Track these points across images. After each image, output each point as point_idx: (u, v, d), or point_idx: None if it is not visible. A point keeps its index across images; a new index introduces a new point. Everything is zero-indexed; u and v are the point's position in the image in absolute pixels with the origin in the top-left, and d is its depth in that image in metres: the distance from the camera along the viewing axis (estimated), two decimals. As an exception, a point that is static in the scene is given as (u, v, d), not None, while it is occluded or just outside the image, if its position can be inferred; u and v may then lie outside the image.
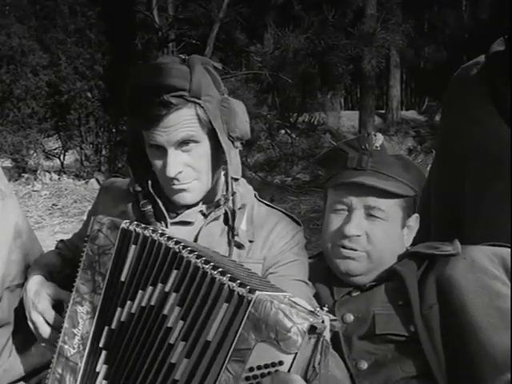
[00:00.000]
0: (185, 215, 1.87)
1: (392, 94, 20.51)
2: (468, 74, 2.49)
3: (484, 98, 2.37)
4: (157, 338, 1.51)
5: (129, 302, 1.58)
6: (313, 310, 1.40)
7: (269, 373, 1.38)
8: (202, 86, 1.73)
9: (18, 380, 2.03)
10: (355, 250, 1.92)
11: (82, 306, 1.66)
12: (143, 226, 1.64)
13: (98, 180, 9.67)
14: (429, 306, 1.80)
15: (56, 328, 1.76)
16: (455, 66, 2.61)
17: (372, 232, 1.91)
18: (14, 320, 2.02)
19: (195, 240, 1.84)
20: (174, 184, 1.79)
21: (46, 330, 1.80)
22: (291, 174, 9.68)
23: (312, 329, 1.37)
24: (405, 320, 1.81)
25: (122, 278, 1.61)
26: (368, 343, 1.84)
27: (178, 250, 1.54)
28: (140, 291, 1.57)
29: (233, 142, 1.80)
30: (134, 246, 1.61)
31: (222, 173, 1.91)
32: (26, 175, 9.87)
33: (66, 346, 1.66)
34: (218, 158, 1.82)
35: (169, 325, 1.50)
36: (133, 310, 1.57)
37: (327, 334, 1.41)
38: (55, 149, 11.12)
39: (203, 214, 1.88)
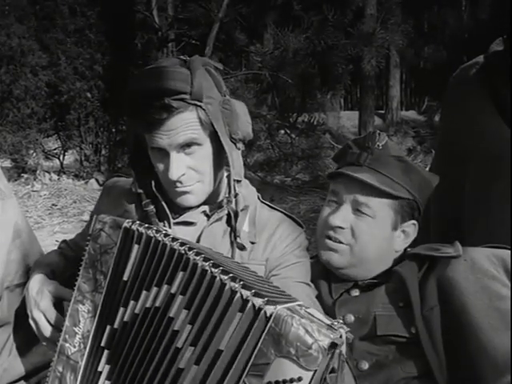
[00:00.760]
0: (187, 216, 1.88)
1: (392, 94, 20.52)
2: (467, 74, 2.49)
3: (483, 98, 2.38)
4: (163, 340, 1.49)
5: (132, 302, 1.57)
6: (330, 323, 1.39)
7: None
8: (204, 89, 1.73)
9: (18, 379, 2.04)
10: (339, 243, 1.93)
11: (84, 304, 1.65)
12: (146, 225, 1.62)
13: (97, 180, 9.67)
14: (430, 307, 1.81)
15: (57, 327, 1.75)
16: (455, 65, 2.62)
17: (357, 227, 1.92)
18: (13, 319, 2.03)
19: (197, 240, 1.84)
20: (176, 187, 1.79)
21: (47, 329, 1.79)
22: (291, 174, 9.68)
23: (332, 345, 1.35)
24: (406, 321, 1.82)
25: (125, 278, 1.60)
26: (369, 344, 1.85)
27: (183, 252, 1.52)
28: (144, 291, 1.56)
29: (235, 144, 1.81)
30: (136, 246, 1.60)
31: (225, 174, 1.90)
32: (25, 175, 9.87)
33: (67, 345, 1.66)
34: (220, 160, 1.82)
35: (175, 328, 1.48)
36: (136, 311, 1.56)
37: (344, 348, 1.40)
38: (55, 149, 11.12)
39: (206, 215, 1.88)
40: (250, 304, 1.40)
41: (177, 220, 1.88)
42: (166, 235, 1.58)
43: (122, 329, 1.58)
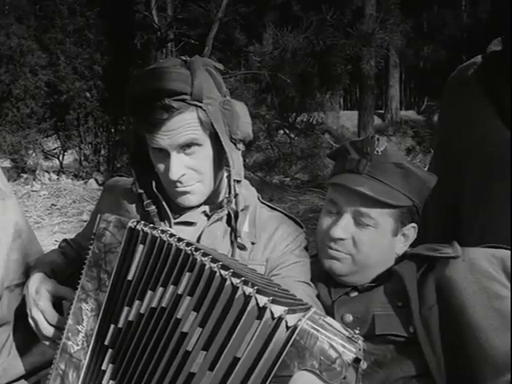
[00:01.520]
0: (188, 215, 1.89)
1: (391, 93, 20.53)
2: (465, 74, 2.49)
3: (481, 97, 2.38)
4: (170, 342, 1.49)
5: (137, 302, 1.57)
6: (350, 335, 1.39)
7: None
8: (204, 89, 1.74)
9: (18, 379, 2.04)
10: (340, 252, 1.93)
11: (87, 303, 1.65)
12: (151, 226, 1.63)
13: (96, 180, 9.68)
14: (428, 307, 1.81)
15: (56, 325, 1.77)
16: (454, 65, 2.62)
17: (358, 237, 1.91)
18: (13, 319, 2.03)
19: (198, 240, 1.85)
20: (177, 187, 1.80)
21: (46, 327, 1.80)
22: (290, 173, 9.69)
23: (356, 360, 1.36)
24: (404, 321, 1.82)
25: (129, 277, 1.60)
26: (368, 343, 1.83)
27: (190, 252, 1.52)
28: (149, 291, 1.55)
29: (235, 144, 1.81)
30: (141, 246, 1.60)
31: (225, 174, 1.91)
32: (25, 175, 9.88)
33: (70, 343, 1.66)
34: (220, 160, 1.83)
35: (184, 330, 1.48)
36: (142, 310, 1.56)
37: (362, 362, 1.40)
38: (54, 149, 11.12)
39: (206, 215, 1.89)
40: (268, 312, 1.39)
41: (177, 220, 1.88)
42: (172, 235, 1.58)
43: (126, 328, 1.58)
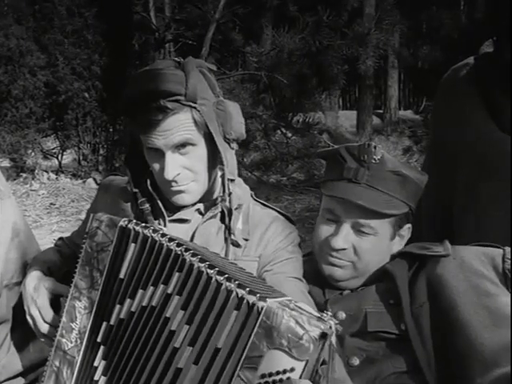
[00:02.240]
0: (182, 213, 1.90)
1: (390, 93, 20.46)
2: (458, 74, 2.50)
3: (473, 98, 2.39)
4: (159, 339, 1.51)
5: (128, 300, 1.59)
6: (319, 315, 1.40)
7: (280, 380, 1.37)
8: (198, 90, 1.75)
9: (17, 375, 2.05)
10: (341, 260, 1.94)
11: (80, 301, 1.67)
12: (143, 225, 1.64)
13: (95, 179, 9.67)
14: (419, 304, 1.83)
15: (52, 323, 1.78)
16: (451, 66, 2.63)
17: (359, 245, 1.93)
18: (12, 317, 2.04)
19: (192, 237, 1.86)
20: (172, 186, 1.81)
21: (43, 325, 1.81)
22: (287, 173, 9.70)
23: (323, 336, 1.37)
24: (396, 318, 1.84)
25: (121, 276, 1.62)
26: (360, 340, 1.86)
27: (180, 253, 1.53)
28: (140, 290, 1.57)
29: (229, 144, 1.82)
30: (133, 245, 1.62)
31: (219, 173, 1.92)
32: (24, 175, 9.86)
33: (64, 340, 1.67)
34: (214, 159, 1.84)
35: (172, 328, 1.50)
36: (133, 309, 1.58)
37: (333, 339, 1.41)
38: (53, 148, 11.10)
39: (200, 213, 1.90)
40: (245, 301, 1.41)
41: (172, 218, 1.90)
42: (163, 235, 1.59)
43: (118, 326, 1.60)
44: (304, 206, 7.29)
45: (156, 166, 1.82)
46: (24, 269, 2.03)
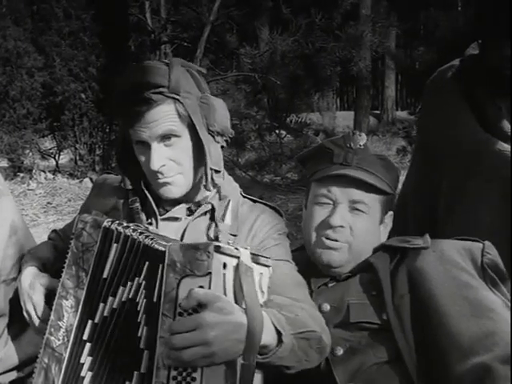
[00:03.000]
0: (173, 212, 1.93)
1: (387, 94, 20.36)
2: (444, 76, 2.54)
3: (459, 99, 2.42)
4: (138, 328, 1.59)
5: (111, 298, 1.65)
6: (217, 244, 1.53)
7: (187, 297, 1.48)
8: (181, 83, 1.80)
9: (13, 369, 2.08)
10: (338, 241, 1.98)
11: (67, 299, 1.72)
12: (125, 224, 1.70)
13: (91, 179, 9.65)
14: (400, 295, 1.87)
15: (46, 319, 1.81)
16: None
17: (355, 224, 1.98)
18: (9, 312, 2.07)
19: (182, 234, 1.89)
20: (158, 178, 1.84)
21: (38, 322, 1.86)
22: (280, 173, 9.69)
23: (217, 248, 1.48)
24: (377, 309, 1.88)
25: (105, 275, 1.67)
26: (343, 331, 1.90)
27: (149, 243, 1.61)
28: (121, 287, 1.63)
29: (214, 137, 1.85)
30: (115, 245, 1.68)
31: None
32: (21, 174, 9.84)
33: (52, 338, 1.72)
34: (200, 154, 1.86)
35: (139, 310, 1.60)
36: (115, 305, 1.64)
37: (246, 260, 1.54)
38: (50, 149, 11.07)
39: (190, 211, 1.93)
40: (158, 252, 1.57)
41: (163, 216, 1.92)
42: (141, 233, 1.66)
43: (102, 323, 1.65)
44: (297, 205, 7.29)
45: (143, 159, 1.85)
46: (20, 265, 2.05)
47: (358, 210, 1.98)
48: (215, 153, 1.86)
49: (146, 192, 1.92)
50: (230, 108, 1.97)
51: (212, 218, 1.92)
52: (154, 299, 1.54)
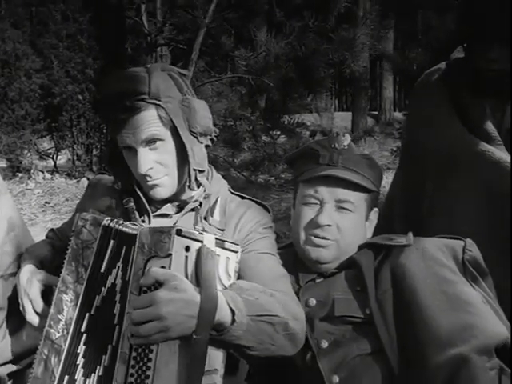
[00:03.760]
0: (164, 209, 1.97)
1: (385, 95, 20.14)
2: (430, 79, 2.56)
3: (444, 101, 2.44)
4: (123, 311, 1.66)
5: (103, 289, 1.72)
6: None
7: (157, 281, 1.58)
8: (161, 89, 1.84)
9: (12, 360, 2.10)
10: (326, 239, 2.02)
11: (67, 294, 1.77)
12: (121, 222, 1.76)
13: (89, 179, 9.68)
14: (383, 290, 1.91)
15: (43, 313, 1.86)
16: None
17: (342, 223, 2.02)
18: (8, 307, 2.09)
19: None
20: (147, 180, 1.88)
21: (34, 315, 1.89)
22: (275, 173, 9.69)
23: (179, 232, 1.58)
24: (361, 303, 1.92)
25: (102, 270, 1.73)
26: (328, 324, 1.94)
27: (136, 233, 1.70)
28: (109, 276, 1.71)
29: (197, 138, 1.89)
30: (112, 241, 1.74)
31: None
32: (20, 174, 9.86)
33: (52, 330, 1.77)
34: (185, 155, 1.89)
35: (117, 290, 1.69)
36: (104, 294, 1.71)
37: (210, 245, 1.64)
38: (48, 149, 11.08)
39: (180, 208, 1.97)
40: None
41: (155, 213, 1.97)
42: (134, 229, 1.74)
43: (95, 313, 1.72)
44: (289, 205, 7.25)
45: (132, 164, 1.89)
46: (19, 261, 2.07)
47: (344, 208, 2.02)
48: (199, 153, 1.90)
49: (139, 192, 1.97)
50: (224, 109, 2.02)
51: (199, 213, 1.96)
52: (127, 279, 1.64)
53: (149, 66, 1.90)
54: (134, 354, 1.59)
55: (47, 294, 1.90)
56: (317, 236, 2.03)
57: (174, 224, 1.92)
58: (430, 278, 1.87)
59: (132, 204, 1.97)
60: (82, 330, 1.73)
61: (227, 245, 1.71)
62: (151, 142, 1.85)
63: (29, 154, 10.38)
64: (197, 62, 8.78)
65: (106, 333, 1.67)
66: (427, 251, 1.94)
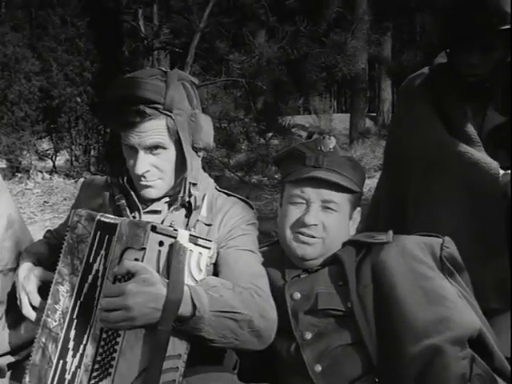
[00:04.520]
0: (154, 205, 2.02)
1: (383, 97, 19.98)
2: (414, 83, 2.60)
3: (426, 104, 2.49)
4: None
5: (89, 276, 1.78)
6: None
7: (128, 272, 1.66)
8: (175, 101, 1.88)
9: (10, 352, 2.12)
10: (313, 237, 2.06)
11: (63, 285, 1.82)
12: (115, 217, 1.81)
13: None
14: (364, 285, 1.96)
15: (39, 306, 1.91)
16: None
17: (327, 222, 2.05)
18: (8, 301, 2.10)
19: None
20: (141, 180, 1.94)
21: (30, 309, 1.94)
22: (268, 174, 9.69)
23: (153, 228, 1.66)
24: (343, 297, 1.97)
25: (91, 260, 1.79)
26: (312, 317, 2.00)
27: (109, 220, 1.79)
28: (94, 264, 1.77)
29: (196, 152, 1.95)
30: (99, 232, 1.79)
31: (185, 176, 2.00)
32: (19, 174, 9.88)
33: (49, 319, 1.82)
34: (182, 163, 1.95)
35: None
36: (90, 281, 1.77)
37: (183, 241, 1.69)
38: (47, 150, 11.10)
39: (169, 204, 2.02)
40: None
41: (145, 210, 2.02)
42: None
43: (84, 300, 1.78)
44: (281, 204, 7.31)
45: (130, 161, 1.94)
46: (18, 256, 2.11)
47: (329, 208, 2.06)
48: (195, 167, 1.96)
49: (130, 189, 2.02)
50: (219, 111, 2.08)
51: (187, 211, 2.01)
52: (107, 266, 1.72)
53: (167, 71, 1.94)
54: (104, 335, 1.69)
55: (43, 288, 1.94)
56: (303, 234, 2.06)
57: (163, 220, 1.97)
58: (409, 274, 1.92)
59: (123, 201, 2.01)
60: (74, 316, 1.78)
61: (200, 241, 1.77)
62: (154, 148, 1.90)
63: (28, 155, 10.39)
64: (192, 65, 8.81)
65: (88, 315, 1.73)
66: (406, 248, 1.98)
